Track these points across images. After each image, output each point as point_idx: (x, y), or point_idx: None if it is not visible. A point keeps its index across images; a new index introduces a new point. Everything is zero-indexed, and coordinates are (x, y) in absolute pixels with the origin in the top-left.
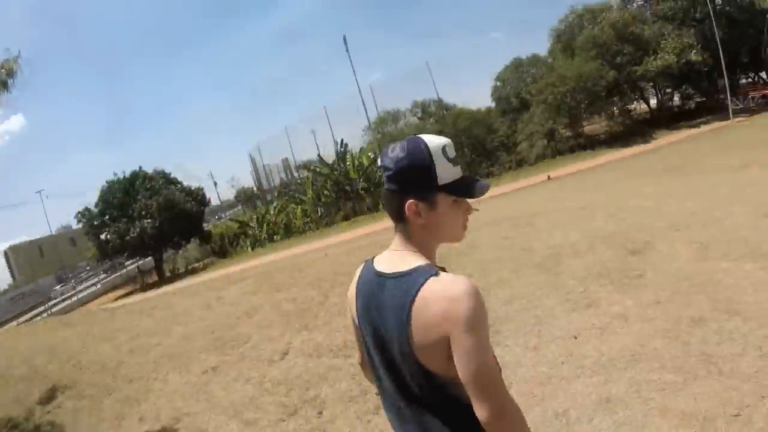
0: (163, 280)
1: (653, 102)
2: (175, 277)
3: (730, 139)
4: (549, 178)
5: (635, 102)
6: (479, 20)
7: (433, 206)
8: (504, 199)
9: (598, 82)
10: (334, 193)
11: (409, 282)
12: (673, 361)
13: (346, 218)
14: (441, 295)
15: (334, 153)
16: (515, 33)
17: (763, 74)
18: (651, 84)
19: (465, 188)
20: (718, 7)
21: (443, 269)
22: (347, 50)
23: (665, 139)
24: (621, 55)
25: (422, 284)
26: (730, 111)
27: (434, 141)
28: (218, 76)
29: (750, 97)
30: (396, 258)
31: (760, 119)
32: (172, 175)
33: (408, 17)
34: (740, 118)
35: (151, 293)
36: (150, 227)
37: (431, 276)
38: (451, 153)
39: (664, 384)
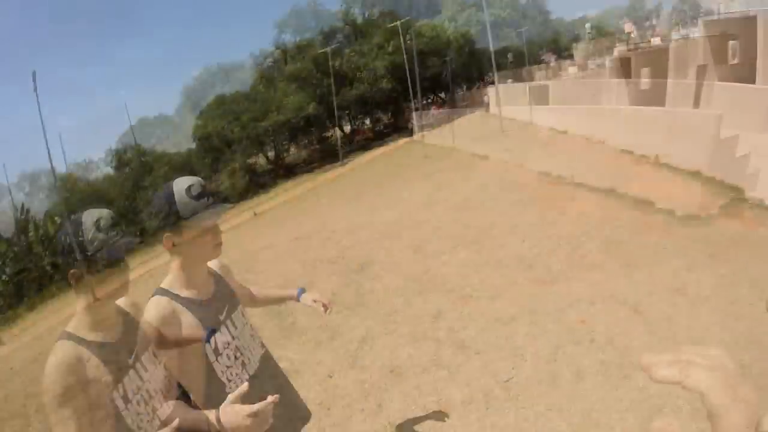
0: None
1: (348, 128)
2: None
3: (417, 152)
4: (255, 214)
5: (332, 130)
6: None
7: (180, 236)
8: None
9: (298, 113)
10: (13, 275)
11: None
12: (433, 359)
13: (31, 307)
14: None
15: (14, 222)
16: None
17: (442, 94)
18: (347, 112)
19: (205, 218)
20: (408, 41)
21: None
22: (35, 90)
23: (361, 159)
24: (321, 87)
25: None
26: (415, 128)
27: (181, 184)
28: None
29: (432, 113)
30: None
31: (439, 132)
32: None
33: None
34: (424, 133)
35: None
36: None
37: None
38: (196, 190)
39: (435, 382)
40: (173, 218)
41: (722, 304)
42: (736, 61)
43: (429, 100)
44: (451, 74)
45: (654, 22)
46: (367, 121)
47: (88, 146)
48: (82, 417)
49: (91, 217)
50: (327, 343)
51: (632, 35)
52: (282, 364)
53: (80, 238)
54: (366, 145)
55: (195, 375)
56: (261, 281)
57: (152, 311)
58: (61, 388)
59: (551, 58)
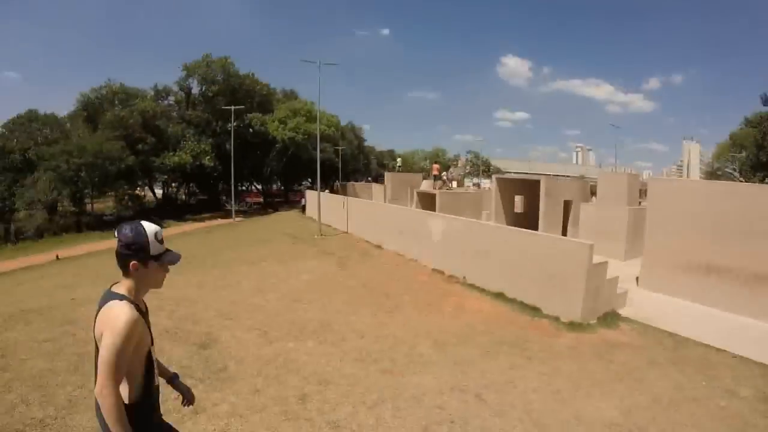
0: None
1: (160, 192)
2: None
3: (237, 235)
4: (57, 257)
5: (144, 189)
6: None
7: (146, 267)
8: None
9: (116, 162)
10: None
11: (107, 297)
12: None
13: None
14: (109, 310)
15: None
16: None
17: (259, 185)
18: (165, 176)
19: (166, 258)
20: (235, 127)
21: (134, 302)
22: None
23: (176, 229)
24: (143, 143)
25: (108, 301)
26: (233, 211)
27: (150, 228)
28: None
29: (246, 201)
30: (116, 286)
31: (255, 220)
32: None
33: None
34: (239, 218)
35: None
36: None
37: (115, 299)
38: (160, 236)
39: None
40: (143, 253)
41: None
42: (520, 211)
43: (244, 188)
44: (272, 170)
45: (452, 170)
46: (181, 192)
47: None
48: (132, 356)
49: (151, 228)
50: (192, 421)
51: (443, 176)
52: None
53: (142, 241)
54: (179, 216)
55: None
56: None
57: (130, 312)
58: (125, 328)
59: (365, 179)
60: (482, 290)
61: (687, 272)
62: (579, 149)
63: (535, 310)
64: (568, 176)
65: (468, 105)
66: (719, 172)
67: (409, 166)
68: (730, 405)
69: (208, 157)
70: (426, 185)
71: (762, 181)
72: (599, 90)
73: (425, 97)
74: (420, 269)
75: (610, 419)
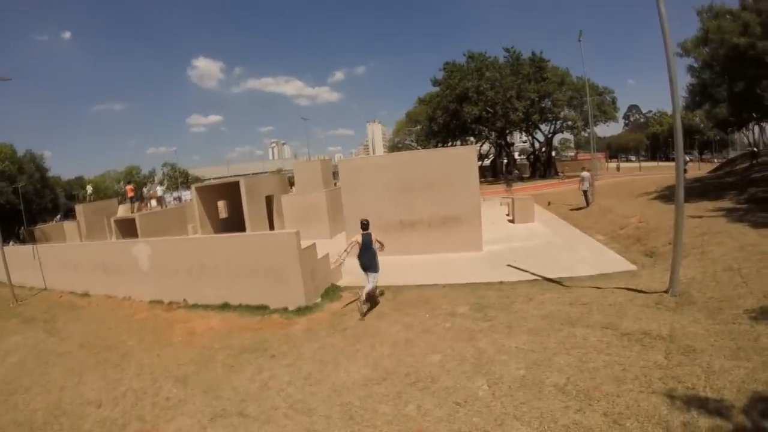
0: None
1: None
2: None
3: None
4: None
5: None
6: None
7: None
8: None
9: None
10: None
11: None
12: None
13: None
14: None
15: None
16: None
17: None
18: None
19: None
20: None
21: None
22: None
23: None
24: None
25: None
26: None
27: None
28: None
29: None
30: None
31: None
32: None
33: None
34: None
35: None
36: None
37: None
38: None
39: None
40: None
41: None
42: (226, 215)
43: None
44: None
45: (149, 186)
46: None
47: None
48: None
49: None
50: None
51: (145, 194)
52: None
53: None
54: None
55: None
56: None
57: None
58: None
59: (54, 218)
60: (207, 307)
61: (387, 232)
62: (274, 144)
63: (263, 309)
64: (266, 172)
65: (159, 113)
66: (400, 145)
67: (102, 192)
68: (454, 323)
69: None
70: (123, 210)
71: (436, 146)
72: (289, 86)
73: (111, 110)
74: (136, 306)
75: (364, 377)
